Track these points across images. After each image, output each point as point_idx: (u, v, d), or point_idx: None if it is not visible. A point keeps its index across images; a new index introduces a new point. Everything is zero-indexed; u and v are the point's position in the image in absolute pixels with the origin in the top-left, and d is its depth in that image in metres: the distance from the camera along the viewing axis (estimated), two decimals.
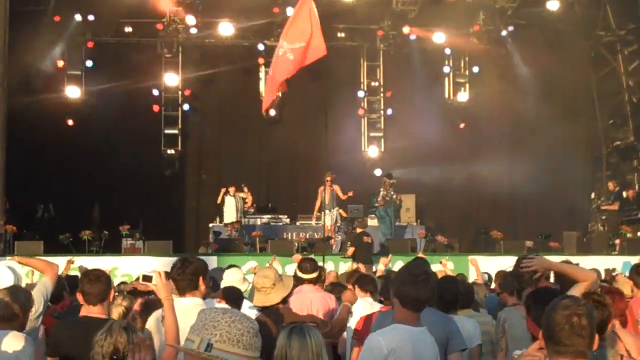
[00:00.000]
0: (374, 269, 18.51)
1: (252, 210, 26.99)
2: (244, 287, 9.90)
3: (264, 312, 7.81)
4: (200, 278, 7.13)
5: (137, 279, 6.40)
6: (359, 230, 22.36)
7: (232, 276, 10.07)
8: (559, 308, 4.32)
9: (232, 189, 26.06)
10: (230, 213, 25.90)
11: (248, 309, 8.32)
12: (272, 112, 28.97)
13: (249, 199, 26.82)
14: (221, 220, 26.24)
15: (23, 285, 8.52)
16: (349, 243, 22.73)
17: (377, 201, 25.33)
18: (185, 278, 7.01)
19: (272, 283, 7.75)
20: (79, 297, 6.78)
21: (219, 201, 26.07)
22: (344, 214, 25.94)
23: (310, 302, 9.82)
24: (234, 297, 8.31)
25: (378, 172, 28.58)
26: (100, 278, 6.73)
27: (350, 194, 25.59)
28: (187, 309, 6.72)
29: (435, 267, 18.91)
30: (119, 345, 5.09)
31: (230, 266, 11.84)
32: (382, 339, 5.92)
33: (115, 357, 5.11)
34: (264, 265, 16.50)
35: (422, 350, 5.90)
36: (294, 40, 16.51)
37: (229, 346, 3.61)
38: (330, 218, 24.53)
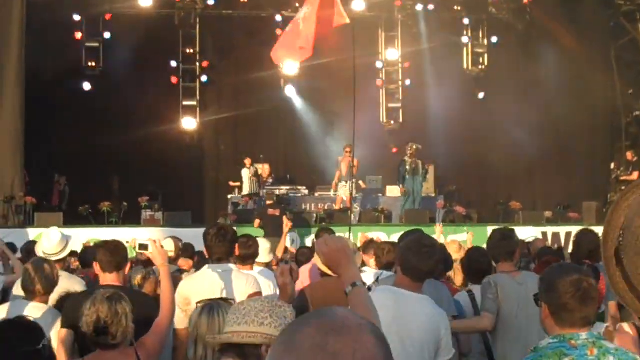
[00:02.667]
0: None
1: (271, 180, 26.98)
2: (268, 259, 9.96)
3: (323, 277, 7.84)
4: (236, 245, 7.43)
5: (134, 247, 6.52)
6: (268, 202, 22.17)
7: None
8: (564, 275, 4.29)
9: (248, 161, 26.12)
10: (245, 185, 26.03)
11: (257, 274, 8.39)
12: (291, 89, 29.09)
13: (266, 170, 26.80)
14: (240, 192, 26.35)
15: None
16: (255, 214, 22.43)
17: (406, 170, 24.78)
18: (225, 245, 7.21)
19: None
20: (96, 267, 6.85)
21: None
22: (363, 185, 25.93)
23: None
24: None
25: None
26: (118, 248, 6.79)
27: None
28: (220, 276, 6.92)
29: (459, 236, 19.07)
30: (101, 315, 5.20)
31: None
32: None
33: (97, 326, 5.20)
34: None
35: (408, 316, 5.79)
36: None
37: None
38: (346, 189, 24.47)
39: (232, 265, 7.44)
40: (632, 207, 2.03)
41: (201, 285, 7.22)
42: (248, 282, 7.32)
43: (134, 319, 5.49)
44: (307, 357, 1.61)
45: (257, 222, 21.09)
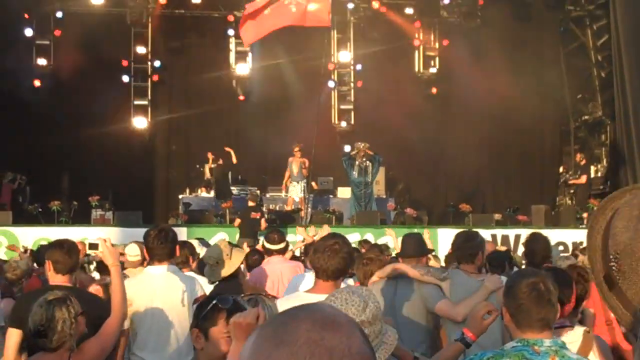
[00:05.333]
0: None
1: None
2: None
3: (219, 284, 7.79)
4: (177, 247, 7.35)
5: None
6: (250, 203, 22.14)
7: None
8: (522, 277, 4.35)
9: (210, 155, 26.09)
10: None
11: (207, 285, 8.27)
12: (241, 97, 29.08)
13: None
14: (191, 192, 26.32)
15: None
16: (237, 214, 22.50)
17: (353, 171, 24.70)
18: (167, 246, 7.13)
19: (216, 261, 7.73)
20: (48, 266, 6.74)
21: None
22: (315, 186, 25.97)
23: (281, 272, 9.87)
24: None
25: (347, 148, 28.50)
26: (72, 250, 6.70)
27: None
28: (162, 277, 6.82)
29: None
30: (38, 318, 5.16)
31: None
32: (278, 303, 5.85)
33: (36, 328, 5.16)
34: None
35: None
36: None
37: None
38: (298, 189, 24.57)
39: (173, 267, 7.40)
40: (619, 229, 2.06)
41: (143, 287, 7.19)
42: (192, 284, 7.28)
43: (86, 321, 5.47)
44: (303, 352, 1.65)
45: (237, 221, 21.18)
